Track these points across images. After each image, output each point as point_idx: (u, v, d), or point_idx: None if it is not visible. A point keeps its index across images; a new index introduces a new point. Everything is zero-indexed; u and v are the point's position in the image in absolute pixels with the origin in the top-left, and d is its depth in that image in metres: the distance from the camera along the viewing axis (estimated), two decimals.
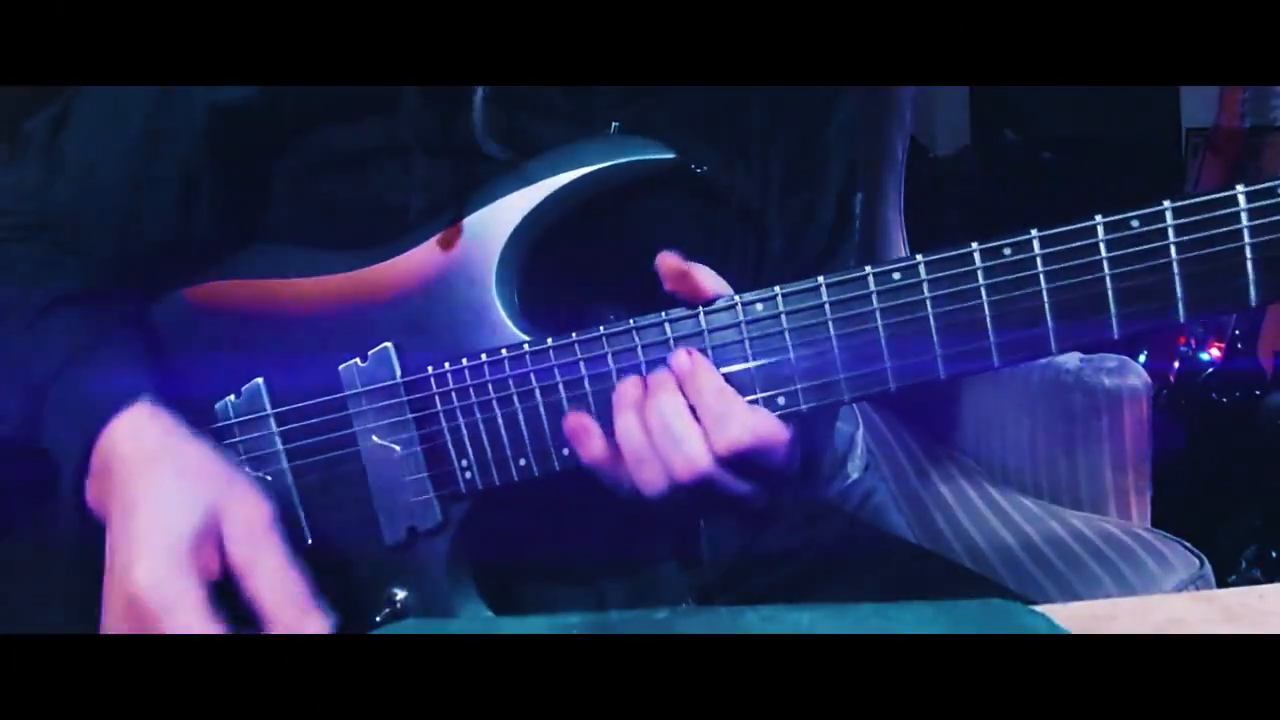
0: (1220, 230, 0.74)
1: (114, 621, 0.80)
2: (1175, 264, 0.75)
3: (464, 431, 0.88)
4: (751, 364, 0.82)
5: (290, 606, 0.80)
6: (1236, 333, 2.73)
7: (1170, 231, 0.75)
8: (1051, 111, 3.50)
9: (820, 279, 0.80)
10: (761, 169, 0.97)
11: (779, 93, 0.97)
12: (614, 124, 0.91)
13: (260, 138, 0.94)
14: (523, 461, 0.87)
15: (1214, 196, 0.74)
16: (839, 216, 1.05)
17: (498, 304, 0.87)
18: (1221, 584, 1.63)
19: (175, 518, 0.80)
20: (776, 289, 0.81)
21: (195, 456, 0.84)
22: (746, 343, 0.82)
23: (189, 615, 0.78)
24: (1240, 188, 0.74)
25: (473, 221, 0.88)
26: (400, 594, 0.91)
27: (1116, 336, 0.77)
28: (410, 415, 0.89)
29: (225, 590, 0.82)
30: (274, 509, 0.83)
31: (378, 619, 0.90)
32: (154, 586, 0.78)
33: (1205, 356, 2.80)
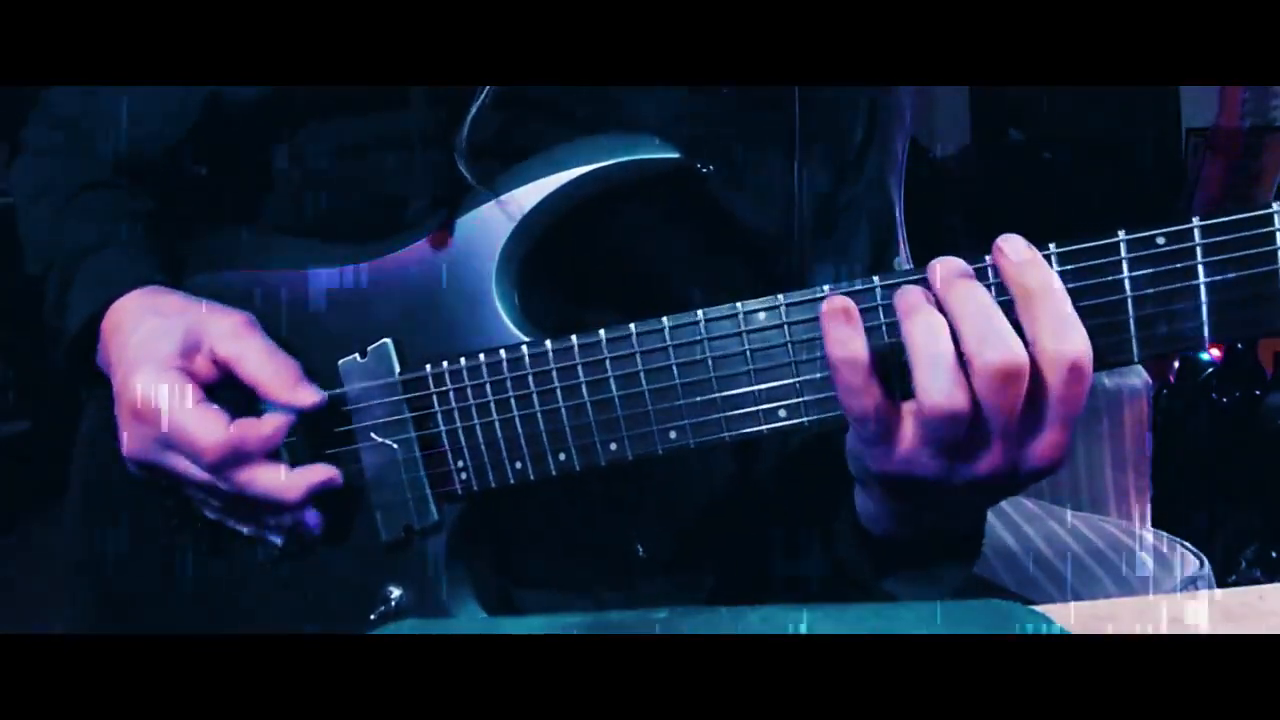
0: (1253, 251, 0.69)
1: (128, 438, 0.88)
2: (1203, 287, 0.70)
3: (460, 433, 0.87)
4: (753, 373, 0.79)
5: (283, 383, 0.88)
6: None
7: (1198, 251, 0.70)
8: (1051, 111, 3.51)
9: (825, 288, 0.77)
10: (796, 202, 0.96)
11: (811, 129, 0.96)
12: None
13: (267, 127, 0.97)
14: (519, 465, 0.86)
15: (1248, 215, 0.69)
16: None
17: (498, 303, 0.87)
18: (1221, 584, 1.63)
19: (160, 338, 0.88)
20: (780, 298, 0.78)
21: (178, 299, 0.92)
22: (748, 353, 0.79)
23: (186, 409, 0.86)
24: (1277, 206, 0.68)
25: (475, 218, 0.87)
26: (395, 592, 0.91)
27: (1138, 359, 0.73)
28: (409, 414, 0.89)
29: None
30: (252, 316, 0.90)
31: (373, 616, 0.90)
32: (151, 389, 0.86)
33: (1205, 356, 2.80)
